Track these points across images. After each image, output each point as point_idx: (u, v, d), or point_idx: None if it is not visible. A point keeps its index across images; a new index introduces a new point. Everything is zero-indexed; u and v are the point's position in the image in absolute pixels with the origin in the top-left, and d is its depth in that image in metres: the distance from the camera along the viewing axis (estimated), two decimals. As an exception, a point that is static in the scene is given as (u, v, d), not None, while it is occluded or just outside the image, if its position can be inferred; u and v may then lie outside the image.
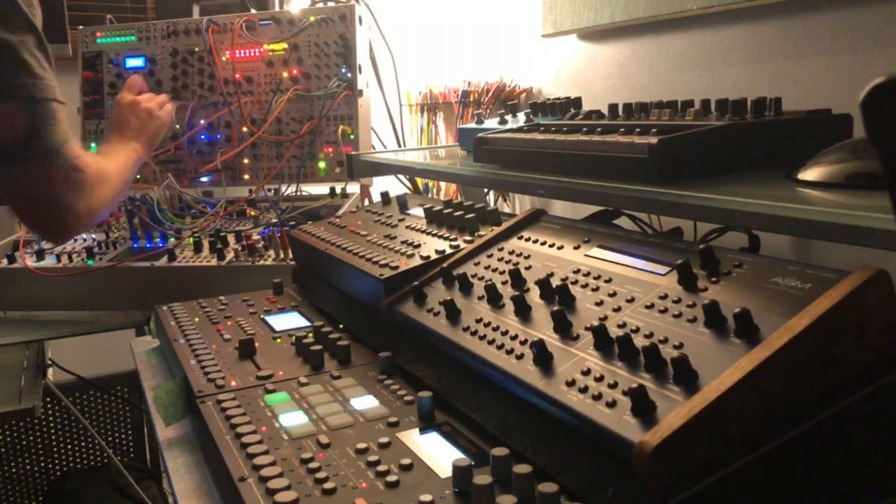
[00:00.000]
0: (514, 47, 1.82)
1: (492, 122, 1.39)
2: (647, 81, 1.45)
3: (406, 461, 0.68)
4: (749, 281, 0.66)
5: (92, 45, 1.87)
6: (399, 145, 2.04)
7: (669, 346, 0.62)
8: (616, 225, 1.00)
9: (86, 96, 1.86)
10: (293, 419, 0.79)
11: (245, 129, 1.73)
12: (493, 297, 0.82)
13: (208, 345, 1.04)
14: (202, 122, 1.77)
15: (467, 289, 0.88)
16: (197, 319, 1.16)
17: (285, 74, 1.74)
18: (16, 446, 2.03)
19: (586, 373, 0.63)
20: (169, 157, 1.78)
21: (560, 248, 0.88)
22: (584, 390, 0.61)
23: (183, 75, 1.81)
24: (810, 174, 0.80)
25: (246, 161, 1.77)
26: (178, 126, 1.71)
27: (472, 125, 1.42)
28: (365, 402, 0.82)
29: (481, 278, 0.89)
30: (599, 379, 0.62)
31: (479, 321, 0.79)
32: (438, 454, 0.70)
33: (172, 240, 1.51)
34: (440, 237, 1.06)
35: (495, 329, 0.76)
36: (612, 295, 0.73)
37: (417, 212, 1.20)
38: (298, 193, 1.76)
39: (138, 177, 1.73)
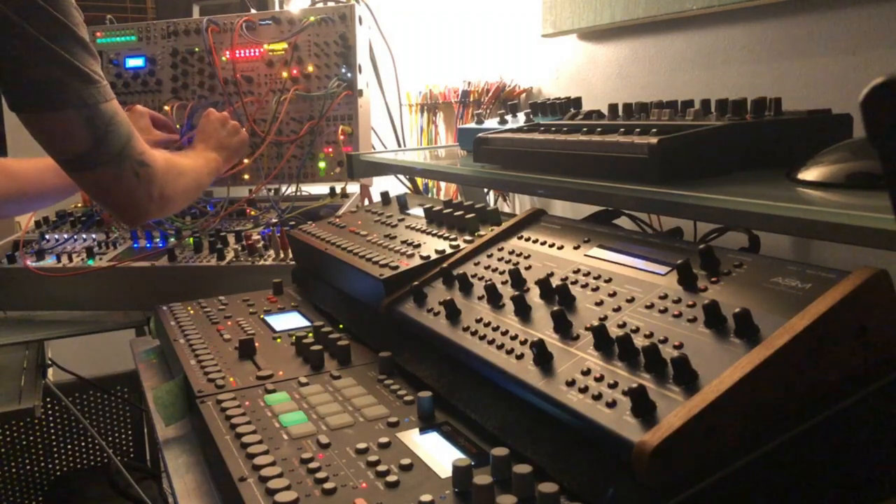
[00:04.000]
0: (514, 47, 1.82)
1: (492, 122, 1.39)
2: (647, 81, 1.45)
3: (406, 461, 0.68)
4: (749, 281, 0.66)
5: (92, 44, 1.87)
6: (399, 145, 2.04)
7: (669, 346, 0.62)
8: (616, 225, 1.00)
9: (86, 96, 1.86)
10: (293, 419, 0.79)
11: (245, 129, 1.73)
12: (493, 297, 0.82)
13: (208, 345, 1.04)
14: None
15: (467, 289, 0.88)
16: (197, 319, 1.16)
17: (285, 74, 1.74)
18: (16, 446, 2.03)
19: (586, 373, 0.63)
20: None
21: (560, 248, 0.88)
22: (584, 390, 0.61)
23: (183, 75, 1.81)
24: (810, 174, 0.80)
25: (246, 161, 1.77)
26: (178, 126, 1.71)
27: (472, 125, 1.42)
28: (365, 402, 0.82)
29: (481, 278, 0.89)
30: (599, 379, 0.62)
31: (479, 321, 0.79)
32: (438, 454, 0.70)
33: (172, 240, 1.51)
34: (440, 237, 1.06)
35: (495, 329, 0.76)
36: (612, 295, 0.73)
37: (417, 212, 1.20)
38: (298, 193, 1.75)
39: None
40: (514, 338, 0.73)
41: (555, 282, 0.78)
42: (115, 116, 1.10)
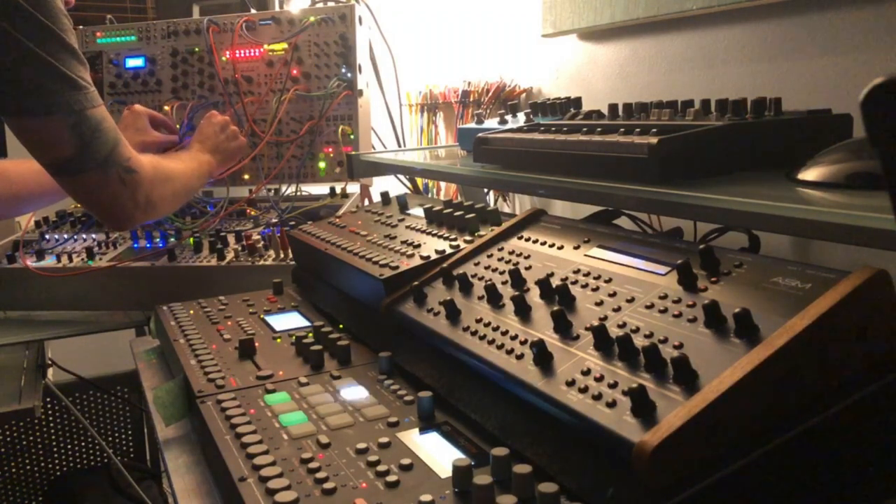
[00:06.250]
0: (514, 47, 1.82)
1: (492, 122, 1.39)
2: (647, 81, 1.45)
3: (406, 461, 0.68)
4: (749, 281, 0.66)
5: (92, 45, 1.87)
6: (399, 145, 2.04)
7: (669, 346, 0.62)
8: (616, 225, 1.00)
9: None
10: (293, 419, 0.79)
11: (245, 129, 1.73)
12: (493, 297, 0.82)
13: (208, 345, 1.04)
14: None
15: (467, 289, 0.88)
16: (197, 319, 1.16)
17: (285, 74, 1.74)
18: (16, 446, 2.03)
19: (586, 373, 0.63)
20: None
21: (560, 248, 0.88)
22: (584, 390, 0.61)
23: (183, 75, 1.81)
24: (810, 174, 0.80)
25: (246, 161, 1.77)
26: (177, 125, 1.71)
27: (472, 125, 1.42)
28: (365, 402, 0.82)
29: (481, 278, 0.89)
30: (599, 379, 0.62)
31: (479, 321, 0.79)
32: (438, 454, 0.70)
33: (172, 240, 1.51)
34: (440, 237, 1.06)
35: (495, 329, 0.76)
36: (612, 295, 0.73)
37: (417, 212, 1.20)
38: (298, 193, 1.76)
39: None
40: (514, 338, 0.73)
41: (555, 282, 0.78)
42: (102, 123, 1.10)
